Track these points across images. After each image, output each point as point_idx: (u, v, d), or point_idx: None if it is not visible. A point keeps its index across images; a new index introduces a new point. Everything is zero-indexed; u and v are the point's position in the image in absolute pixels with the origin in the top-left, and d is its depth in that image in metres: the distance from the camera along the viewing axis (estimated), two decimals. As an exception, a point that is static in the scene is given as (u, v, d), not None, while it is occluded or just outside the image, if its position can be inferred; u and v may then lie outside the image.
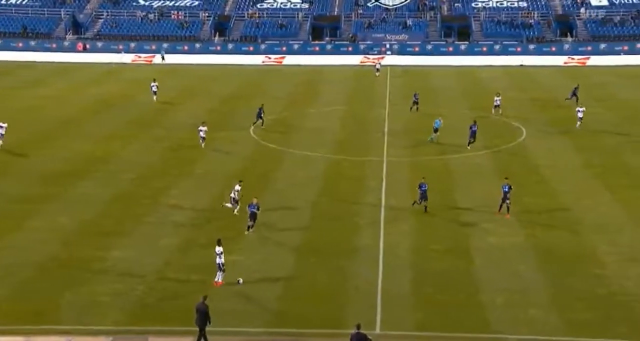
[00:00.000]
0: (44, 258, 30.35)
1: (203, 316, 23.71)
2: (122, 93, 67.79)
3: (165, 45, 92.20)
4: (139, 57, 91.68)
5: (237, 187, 35.51)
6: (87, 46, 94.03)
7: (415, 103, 59.11)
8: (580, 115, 52.75)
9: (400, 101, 63.96)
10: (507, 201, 35.23)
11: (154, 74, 73.77)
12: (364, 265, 29.88)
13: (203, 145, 47.51)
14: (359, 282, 28.24)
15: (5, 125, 48.01)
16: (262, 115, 53.51)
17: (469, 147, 47.34)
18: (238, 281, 27.93)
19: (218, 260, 27.84)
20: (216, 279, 28.03)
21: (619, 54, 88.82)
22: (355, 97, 67.77)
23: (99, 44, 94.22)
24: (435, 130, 49.24)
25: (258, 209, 32.93)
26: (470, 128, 47.68)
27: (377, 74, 79.09)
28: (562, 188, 39.62)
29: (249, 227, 32.84)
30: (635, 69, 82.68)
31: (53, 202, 37.29)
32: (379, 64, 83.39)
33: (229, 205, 35.61)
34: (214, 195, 38.50)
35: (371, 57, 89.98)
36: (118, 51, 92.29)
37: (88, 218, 35.05)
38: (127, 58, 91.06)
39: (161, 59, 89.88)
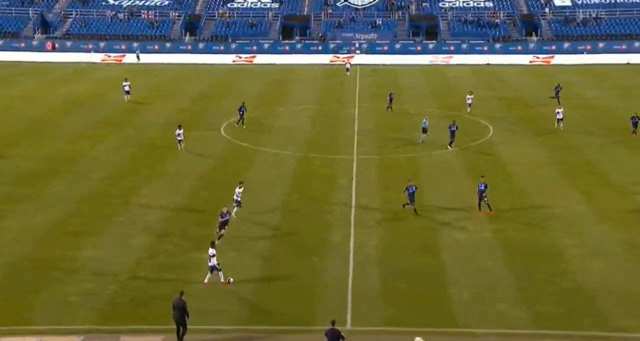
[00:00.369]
0: (17, 258, 30.31)
1: (181, 312, 23.91)
2: (92, 93, 67.54)
3: (135, 44, 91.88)
4: (109, 56, 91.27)
5: (238, 189, 35.33)
6: (56, 45, 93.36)
7: (390, 102, 59.61)
8: (559, 116, 52.92)
9: (369, 100, 64.50)
10: (485, 199, 35.72)
11: (124, 73, 73.58)
12: (334, 262, 30.18)
13: (182, 148, 46.92)
14: (329, 280, 28.55)
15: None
16: (243, 113, 53.63)
17: (449, 147, 47.60)
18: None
19: (211, 263, 27.73)
20: (211, 279, 27.89)
21: (582, 53, 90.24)
22: (325, 95, 68.17)
23: (68, 44, 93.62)
24: (424, 131, 49.24)
25: (229, 215, 33.11)
26: (450, 128, 48.05)
27: (347, 73, 79.53)
28: (528, 186, 40.22)
29: (219, 237, 31.97)
30: (598, 67, 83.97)
31: (25, 202, 37.19)
32: (349, 63, 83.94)
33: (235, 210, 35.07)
34: (186, 194, 38.65)
35: (341, 56, 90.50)
36: (87, 50, 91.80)
37: (58, 218, 35.02)
38: (96, 57, 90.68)
39: (136, 59, 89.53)
